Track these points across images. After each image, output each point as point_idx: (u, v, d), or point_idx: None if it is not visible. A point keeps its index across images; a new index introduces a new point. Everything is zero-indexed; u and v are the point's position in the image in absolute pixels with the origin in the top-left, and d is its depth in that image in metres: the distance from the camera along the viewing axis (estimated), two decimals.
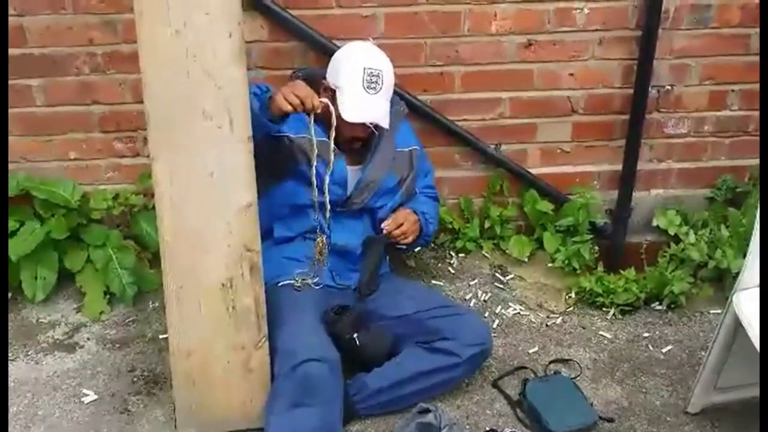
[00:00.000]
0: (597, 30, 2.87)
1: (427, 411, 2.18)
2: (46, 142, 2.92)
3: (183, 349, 2.18)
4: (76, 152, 2.95)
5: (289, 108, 2.16)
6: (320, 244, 2.39)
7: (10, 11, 2.68)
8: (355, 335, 2.31)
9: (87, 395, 2.45)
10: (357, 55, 2.40)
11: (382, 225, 2.50)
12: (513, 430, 2.20)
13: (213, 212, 2.08)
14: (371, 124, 2.38)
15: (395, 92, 2.54)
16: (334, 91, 2.37)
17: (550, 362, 2.56)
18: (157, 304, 2.85)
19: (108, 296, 2.85)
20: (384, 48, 2.78)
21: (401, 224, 2.50)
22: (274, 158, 2.36)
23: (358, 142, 2.47)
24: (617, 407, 2.39)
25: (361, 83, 2.35)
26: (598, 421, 2.30)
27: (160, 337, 2.68)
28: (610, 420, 2.32)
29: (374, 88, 2.36)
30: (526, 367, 2.53)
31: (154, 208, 2.93)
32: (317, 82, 2.42)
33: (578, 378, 2.49)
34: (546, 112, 3.01)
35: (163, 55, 1.95)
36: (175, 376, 2.22)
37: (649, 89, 2.94)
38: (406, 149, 2.61)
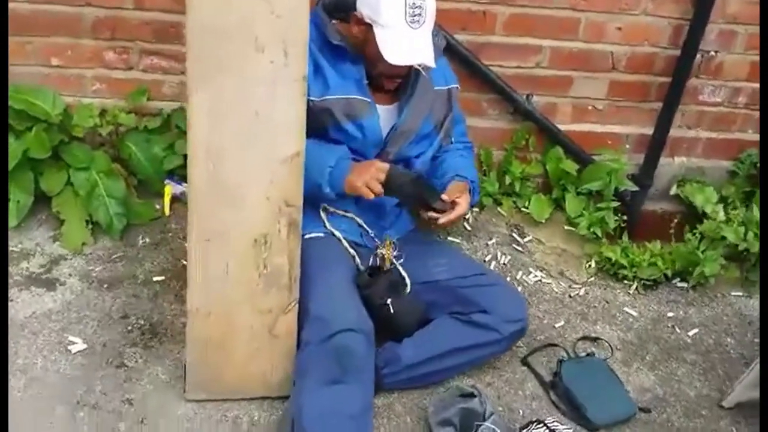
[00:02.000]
0: None
1: (470, 395, 2.01)
2: (25, 45, 2.53)
3: (203, 309, 1.92)
4: (60, 59, 2.57)
5: (371, 197, 2.07)
6: None
7: None
8: (389, 301, 2.09)
9: (74, 343, 2.17)
10: None
11: (438, 206, 2.16)
12: (556, 420, 2.05)
13: (254, 159, 1.80)
14: (418, 65, 2.09)
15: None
16: (369, 24, 2.05)
17: (579, 339, 2.42)
18: (147, 240, 2.56)
19: (90, 226, 2.53)
20: None
21: (455, 205, 2.18)
22: None
23: (398, 79, 2.18)
24: (652, 396, 2.27)
25: (404, 17, 2.01)
26: (637, 413, 2.18)
27: (154, 279, 2.40)
28: (648, 411, 2.21)
29: (418, 21, 2.02)
30: (555, 345, 2.38)
31: (146, 129, 2.66)
32: (347, 11, 2.12)
33: (609, 359, 2.35)
34: (585, 65, 2.80)
35: None
36: (191, 339, 1.96)
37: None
38: (445, 87, 2.30)
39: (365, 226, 2.25)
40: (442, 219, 2.15)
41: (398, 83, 2.19)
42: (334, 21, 2.16)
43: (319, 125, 2.14)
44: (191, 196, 1.82)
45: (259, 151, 1.79)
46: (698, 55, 2.78)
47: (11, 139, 2.47)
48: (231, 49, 1.70)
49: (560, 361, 2.26)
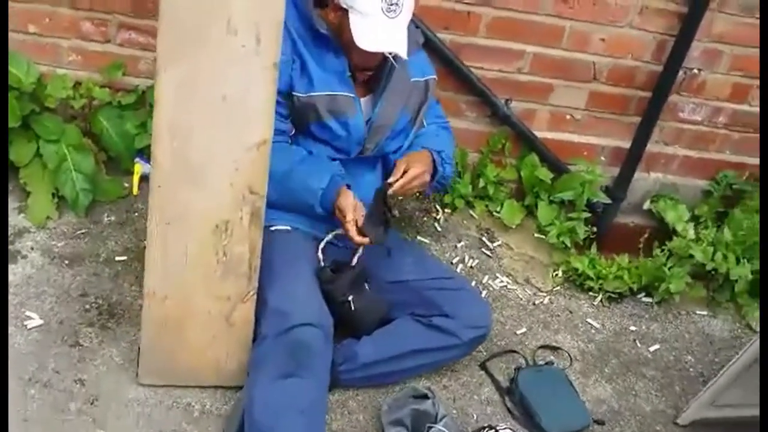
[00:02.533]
0: None
1: (424, 397, 2.00)
2: None
3: (160, 292, 1.90)
4: (36, 26, 2.53)
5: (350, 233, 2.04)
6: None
7: None
8: (350, 298, 2.07)
9: (31, 318, 2.13)
10: None
11: (389, 180, 2.13)
12: (509, 427, 2.04)
13: (219, 142, 1.77)
14: (389, 53, 2.06)
15: (411, 20, 2.24)
16: (346, 10, 2.02)
17: (539, 347, 2.42)
18: (113, 218, 2.52)
19: (56, 200, 2.49)
20: None
21: (410, 182, 2.11)
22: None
23: (368, 72, 2.15)
24: (608, 408, 2.28)
25: (380, 5, 1.97)
26: (591, 424, 2.18)
27: (117, 259, 2.37)
28: (602, 423, 2.21)
29: (394, 11, 1.98)
30: (515, 351, 2.37)
31: (119, 105, 2.62)
32: None
33: (568, 369, 2.35)
34: (566, 74, 2.78)
35: None
36: (146, 321, 1.94)
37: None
38: (422, 79, 2.26)
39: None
40: (395, 186, 2.07)
41: (369, 75, 2.16)
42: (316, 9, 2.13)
43: (302, 120, 2.13)
44: (153, 175, 1.79)
45: (226, 136, 1.77)
46: (681, 72, 2.78)
47: None
48: (203, 28, 1.66)
49: (518, 369, 2.26)
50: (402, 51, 2.03)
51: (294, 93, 2.08)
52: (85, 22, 2.53)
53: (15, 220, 2.43)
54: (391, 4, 1.98)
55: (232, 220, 1.85)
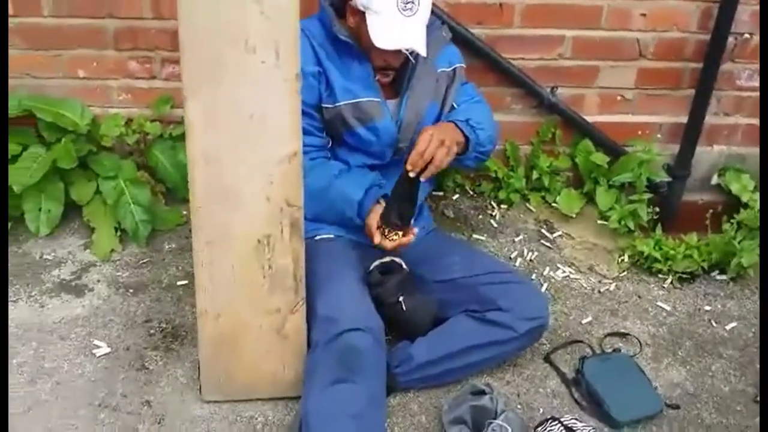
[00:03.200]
0: None
1: (482, 393, 1.97)
2: (53, 58, 2.61)
3: (211, 311, 1.94)
4: (86, 71, 2.64)
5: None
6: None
7: None
8: (401, 299, 2.07)
9: (99, 347, 2.22)
10: None
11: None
12: (574, 417, 1.99)
13: (252, 160, 1.80)
14: (407, 50, 2.05)
15: (438, 17, 2.27)
16: (363, 13, 2.02)
17: (606, 336, 2.35)
18: (173, 246, 2.60)
19: (119, 233, 2.60)
20: None
21: (423, 151, 2.00)
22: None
23: (390, 72, 2.14)
24: (682, 392, 2.18)
25: (396, 4, 1.98)
26: (663, 409, 2.10)
27: (178, 284, 2.44)
28: (676, 407, 2.12)
29: (410, 9, 1.99)
30: (580, 341, 2.31)
31: (171, 137, 2.70)
32: (345, 2, 2.10)
33: (638, 355, 2.28)
34: (610, 54, 2.71)
35: None
36: (202, 340, 1.98)
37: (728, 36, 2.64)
38: (449, 68, 2.26)
39: None
40: (411, 160, 2.00)
41: (392, 76, 2.16)
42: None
43: (335, 131, 2.16)
44: (193, 201, 1.84)
45: (257, 153, 1.80)
46: (731, 38, 2.67)
47: (41, 150, 2.56)
48: (222, 52, 1.71)
49: (583, 358, 2.20)
50: (420, 47, 2.03)
51: (323, 105, 2.11)
52: (130, 61, 2.63)
53: (81, 255, 2.54)
54: (407, 2, 1.98)
55: (273, 234, 1.88)
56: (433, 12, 2.12)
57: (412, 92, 2.17)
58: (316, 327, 1.95)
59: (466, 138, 2.13)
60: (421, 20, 2.02)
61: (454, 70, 2.27)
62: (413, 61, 2.12)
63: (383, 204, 2.08)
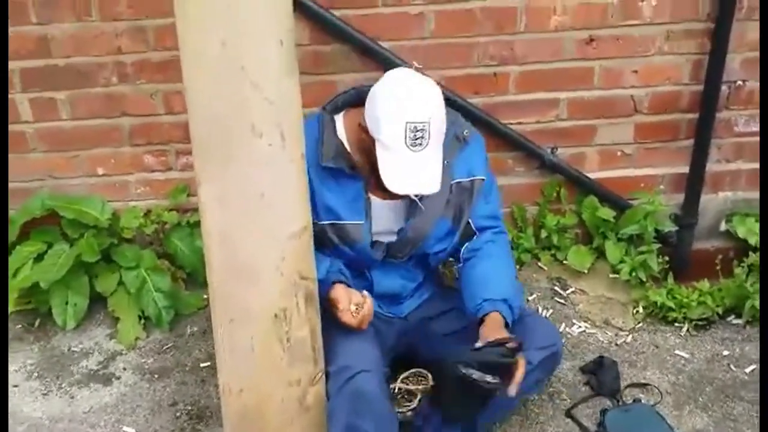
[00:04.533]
0: (664, 23, 2.64)
1: None
2: (72, 158, 2.75)
3: (234, 387, 1.99)
4: (104, 168, 2.77)
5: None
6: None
7: (33, 21, 2.50)
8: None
9: None
10: (397, 106, 1.95)
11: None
12: None
13: (264, 238, 1.88)
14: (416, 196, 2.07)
15: (456, 107, 2.23)
16: (374, 139, 2.00)
17: (626, 387, 2.36)
18: (195, 329, 2.67)
19: (143, 321, 2.67)
20: (433, 48, 2.62)
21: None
22: None
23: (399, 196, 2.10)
24: None
25: (404, 141, 1.93)
26: None
27: (202, 366, 2.50)
28: None
29: (420, 144, 1.93)
30: (600, 394, 2.32)
31: (188, 224, 2.80)
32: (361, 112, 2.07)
33: (659, 405, 2.28)
34: (606, 112, 2.80)
35: (208, 68, 1.74)
36: (226, 416, 2.03)
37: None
38: (468, 179, 2.17)
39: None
40: (512, 389, 1.93)
41: (390, 201, 2.14)
42: (342, 114, 2.14)
43: (324, 243, 2.17)
44: (210, 280, 1.92)
45: (269, 230, 1.87)
46: (724, 87, 2.75)
47: (65, 247, 2.67)
48: (231, 138, 1.80)
49: (604, 411, 2.21)
50: (431, 189, 1.99)
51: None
52: (146, 155, 2.76)
53: (107, 345, 2.62)
54: (416, 139, 1.93)
55: (289, 308, 1.94)
56: (448, 104, 2.08)
57: (419, 212, 2.13)
58: (330, 380, 2.01)
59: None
60: (434, 150, 1.97)
61: (473, 182, 2.17)
62: (420, 204, 2.11)
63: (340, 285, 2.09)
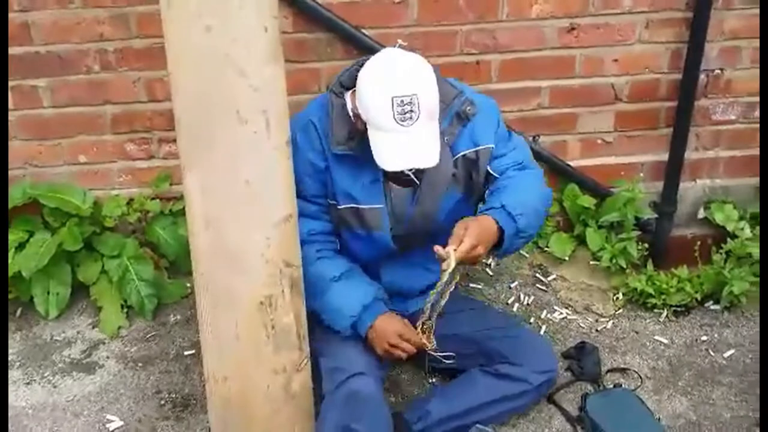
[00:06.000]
0: (644, 12, 2.67)
1: None
2: (54, 146, 2.73)
3: (219, 374, 2.00)
4: (86, 156, 2.75)
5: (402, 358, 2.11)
6: None
7: (14, 7, 2.47)
8: None
9: (112, 421, 2.27)
10: (381, 83, 1.91)
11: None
12: None
13: (250, 225, 1.88)
14: (410, 170, 2.02)
15: (453, 87, 2.11)
16: (365, 121, 1.96)
17: (607, 372, 2.40)
18: (179, 317, 2.67)
19: (126, 310, 2.67)
20: (416, 37, 2.62)
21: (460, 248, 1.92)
22: None
23: (403, 178, 2.08)
24: (685, 422, 2.23)
25: (392, 117, 1.88)
26: None
27: (185, 353, 2.51)
28: None
29: (410, 117, 1.87)
30: (582, 379, 2.36)
31: (171, 212, 2.80)
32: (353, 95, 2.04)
33: (639, 389, 2.32)
34: (587, 100, 2.82)
35: (193, 55, 1.74)
36: (211, 403, 2.04)
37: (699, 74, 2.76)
38: (473, 149, 2.11)
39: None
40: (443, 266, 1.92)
41: (397, 185, 2.10)
42: (350, 93, 2.06)
43: (340, 226, 2.14)
44: (195, 267, 1.92)
45: (254, 217, 1.88)
46: (703, 76, 2.78)
47: (47, 236, 2.65)
48: (216, 124, 1.80)
49: (585, 395, 2.25)
50: (426, 162, 1.93)
51: (329, 201, 2.12)
52: (128, 143, 2.74)
53: (90, 334, 2.61)
54: (404, 113, 1.88)
55: (274, 295, 1.94)
56: (450, 85, 2.07)
57: (422, 189, 2.09)
58: (324, 379, 2.02)
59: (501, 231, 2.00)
60: (425, 124, 1.90)
61: (477, 152, 2.11)
62: (414, 180, 2.08)
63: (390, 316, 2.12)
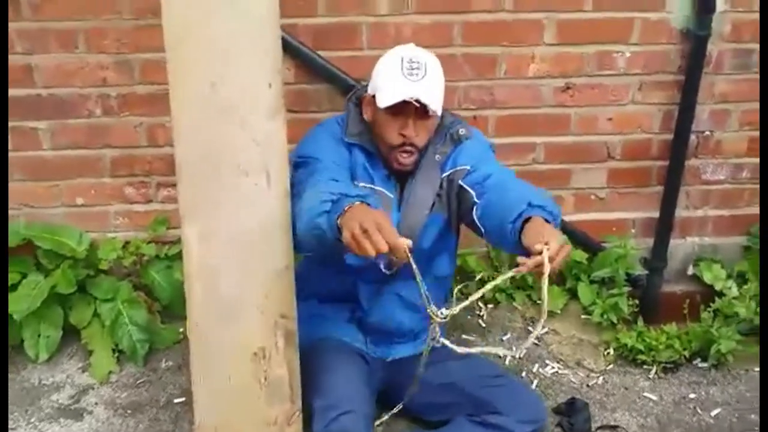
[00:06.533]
0: (637, 74, 2.74)
1: None
2: (51, 188, 2.73)
3: (209, 424, 2.00)
4: (84, 198, 2.76)
5: (371, 254, 1.64)
6: None
7: (17, 50, 2.51)
8: None
9: None
10: (393, 51, 2.05)
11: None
12: None
13: (247, 276, 1.90)
14: (414, 99, 1.94)
15: (452, 114, 2.18)
16: (374, 96, 2.03)
17: (597, 429, 2.40)
18: (170, 363, 2.66)
19: (117, 354, 2.65)
20: None
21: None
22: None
23: (411, 148, 2.04)
24: None
25: (400, 70, 1.97)
26: None
27: (175, 401, 2.49)
28: None
29: (416, 74, 1.95)
30: None
31: (167, 256, 2.80)
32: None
33: None
34: (581, 157, 2.87)
35: (197, 109, 1.78)
36: None
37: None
38: (450, 171, 2.13)
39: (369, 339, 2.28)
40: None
41: (415, 155, 2.07)
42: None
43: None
44: (190, 316, 1.93)
45: (251, 268, 1.90)
46: (693, 137, 2.84)
47: (40, 278, 2.64)
48: (217, 176, 1.82)
49: None
50: (428, 100, 1.95)
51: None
52: (127, 187, 2.75)
53: (80, 379, 2.59)
54: (412, 69, 1.97)
55: (267, 347, 1.95)
56: (450, 113, 2.17)
57: (406, 204, 2.13)
58: (314, 418, 2.01)
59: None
60: (429, 85, 1.96)
61: (455, 173, 2.12)
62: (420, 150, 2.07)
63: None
